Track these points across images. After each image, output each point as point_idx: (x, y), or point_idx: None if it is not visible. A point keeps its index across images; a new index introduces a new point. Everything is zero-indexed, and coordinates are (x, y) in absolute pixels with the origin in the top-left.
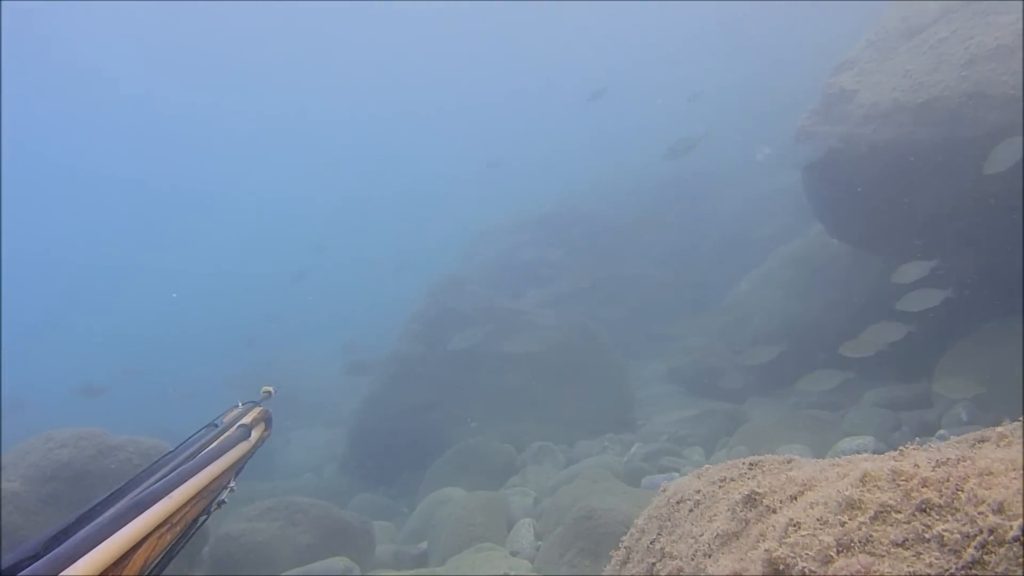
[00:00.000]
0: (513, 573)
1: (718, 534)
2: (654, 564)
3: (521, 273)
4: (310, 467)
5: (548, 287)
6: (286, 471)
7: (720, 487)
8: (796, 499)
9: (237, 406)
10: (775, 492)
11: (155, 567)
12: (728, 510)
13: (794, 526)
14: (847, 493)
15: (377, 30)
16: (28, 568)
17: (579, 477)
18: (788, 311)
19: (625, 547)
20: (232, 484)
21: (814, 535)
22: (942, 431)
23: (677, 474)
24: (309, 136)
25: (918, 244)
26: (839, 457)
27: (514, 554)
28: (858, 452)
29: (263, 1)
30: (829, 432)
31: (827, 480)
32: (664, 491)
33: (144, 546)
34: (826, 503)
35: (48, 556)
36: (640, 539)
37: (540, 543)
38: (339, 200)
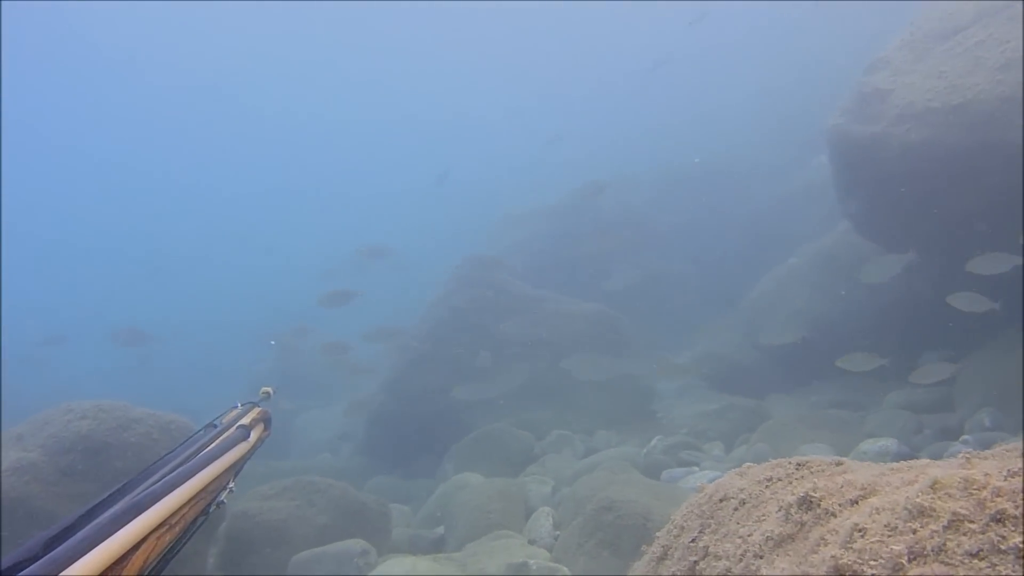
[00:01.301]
0: (532, 561)
1: (770, 536)
2: (696, 563)
3: (545, 260)
4: (325, 446)
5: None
6: (302, 450)
7: (767, 487)
8: (857, 503)
9: (236, 407)
10: (832, 495)
11: (154, 567)
12: (780, 511)
13: (860, 531)
14: (917, 500)
15: (421, 24)
16: (27, 568)
17: (599, 468)
18: (813, 309)
19: (662, 544)
20: (231, 485)
21: (883, 542)
22: (966, 436)
23: (697, 468)
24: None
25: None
26: (888, 462)
27: (532, 542)
28: (881, 454)
29: None
30: (851, 432)
31: (890, 486)
32: (703, 489)
33: (143, 546)
34: (893, 509)
35: (47, 556)
36: (679, 536)
37: (558, 532)
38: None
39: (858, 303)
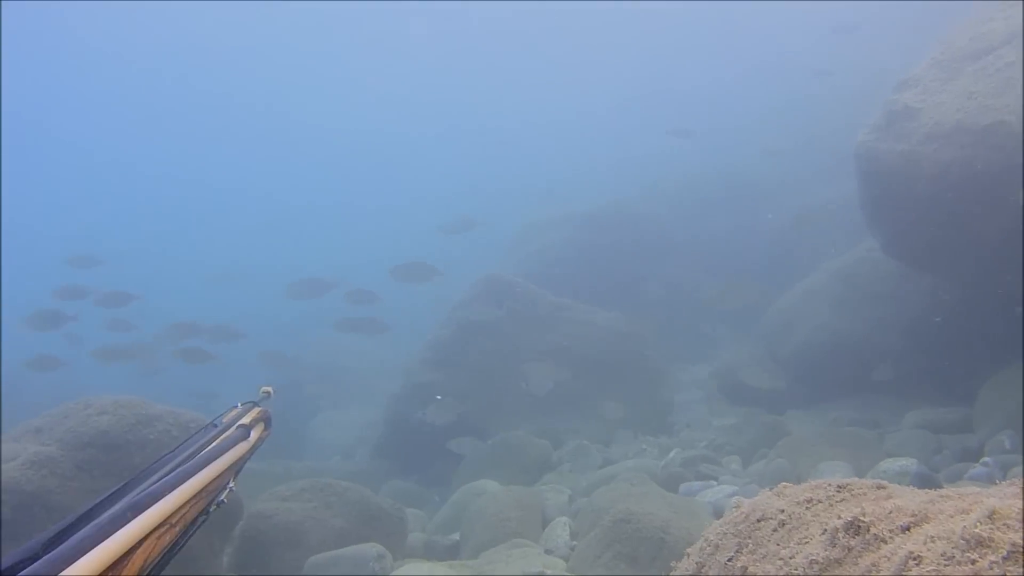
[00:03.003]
0: (548, 571)
1: (814, 559)
2: None
3: (566, 267)
4: (339, 449)
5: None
6: (316, 452)
7: (807, 508)
8: (909, 531)
9: (236, 406)
10: (881, 520)
11: (155, 567)
12: (825, 534)
13: (914, 560)
14: (975, 530)
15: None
16: (27, 568)
17: (617, 479)
18: (834, 326)
19: (696, 560)
20: (232, 484)
21: (940, 571)
22: (986, 458)
23: (715, 482)
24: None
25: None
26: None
27: (548, 552)
28: (901, 473)
29: None
30: (870, 450)
31: (943, 514)
32: (739, 507)
33: (143, 546)
34: (949, 538)
35: (47, 556)
36: (714, 554)
37: (575, 543)
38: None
39: (881, 321)
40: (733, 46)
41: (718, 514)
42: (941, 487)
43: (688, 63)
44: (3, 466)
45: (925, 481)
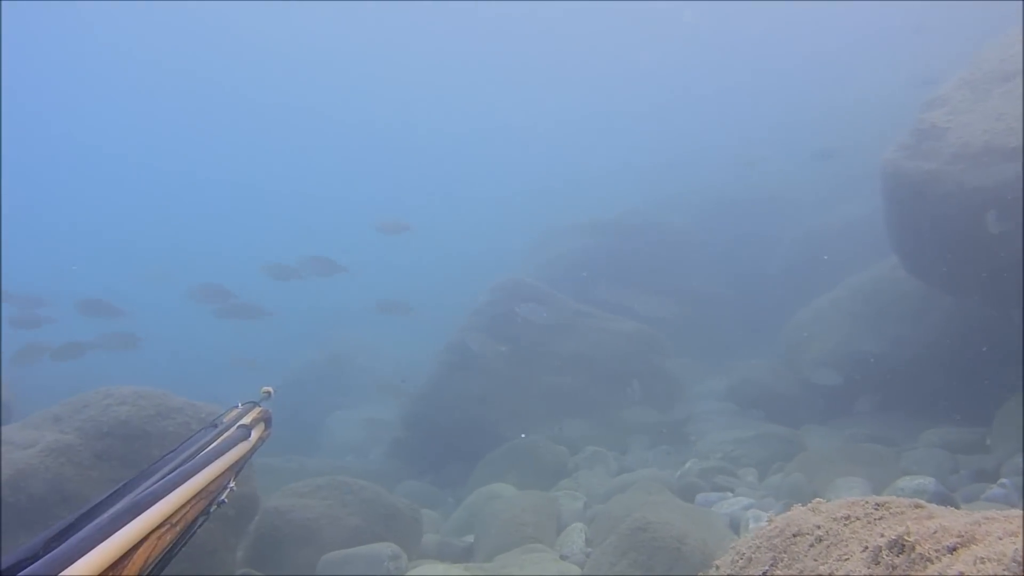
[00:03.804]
0: None
1: None
2: None
3: (585, 274)
4: (352, 447)
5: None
6: (328, 449)
7: (845, 525)
8: (956, 551)
9: (237, 406)
10: (927, 540)
11: (155, 567)
12: (867, 552)
13: None
14: None
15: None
16: (28, 568)
17: (633, 487)
18: (853, 343)
19: (726, 574)
20: (232, 484)
21: None
22: (1003, 480)
23: (731, 494)
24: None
25: None
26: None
27: (563, 558)
28: (918, 491)
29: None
30: (887, 467)
31: (991, 535)
32: (772, 521)
33: (144, 546)
34: (1000, 560)
35: (48, 556)
36: (746, 568)
37: (590, 550)
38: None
39: (900, 339)
40: (760, 54)
41: (734, 526)
42: (959, 507)
43: (715, 71)
44: (21, 453)
45: (943, 500)
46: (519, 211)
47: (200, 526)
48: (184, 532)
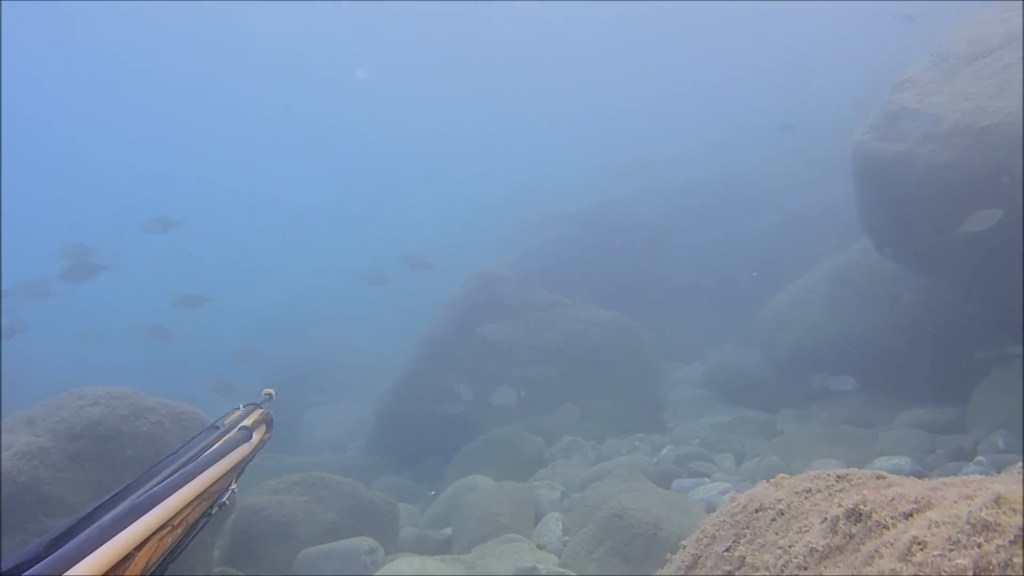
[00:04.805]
0: (541, 566)
1: (814, 547)
2: (732, 572)
3: (561, 265)
4: (331, 443)
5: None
6: (308, 447)
7: (806, 498)
8: (912, 517)
9: (238, 408)
10: (883, 508)
11: (157, 568)
12: (825, 523)
13: (919, 545)
14: (981, 515)
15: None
16: (30, 570)
17: (609, 475)
18: (828, 327)
19: (691, 552)
20: (233, 486)
21: (946, 556)
22: (979, 457)
23: (708, 479)
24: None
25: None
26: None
27: (541, 547)
28: (895, 472)
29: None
30: (863, 449)
31: (946, 500)
32: (736, 498)
33: (145, 548)
34: (954, 523)
35: (49, 558)
36: (710, 545)
37: (568, 538)
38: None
39: (874, 321)
40: (732, 47)
41: (711, 511)
42: None
43: (688, 63)
44: None
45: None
46: (497, 205)
47: (201, 528)
48: (186, 534)
